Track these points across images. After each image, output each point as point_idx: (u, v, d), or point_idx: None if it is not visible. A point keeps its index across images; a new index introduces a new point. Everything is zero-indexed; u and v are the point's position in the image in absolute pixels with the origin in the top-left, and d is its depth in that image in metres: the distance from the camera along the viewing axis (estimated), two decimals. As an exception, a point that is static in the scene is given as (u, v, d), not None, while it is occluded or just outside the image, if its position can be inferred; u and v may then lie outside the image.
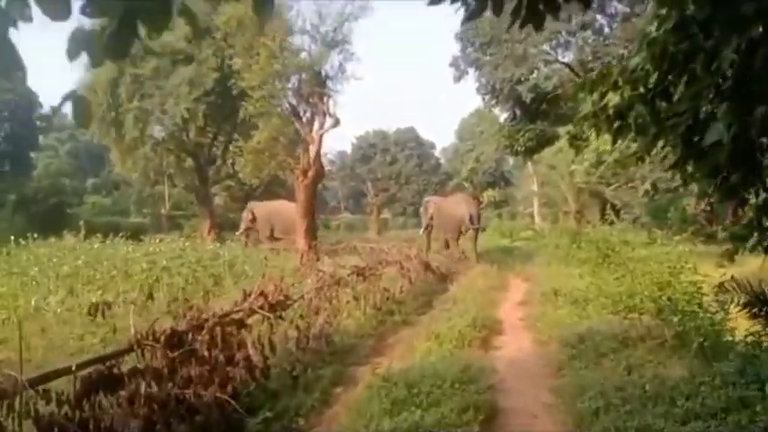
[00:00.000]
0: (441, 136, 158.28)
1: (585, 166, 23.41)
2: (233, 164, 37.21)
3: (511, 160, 71.66)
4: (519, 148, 34.69)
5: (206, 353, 5.85)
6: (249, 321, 6.97)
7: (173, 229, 38.49)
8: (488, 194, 61.51)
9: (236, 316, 6.71)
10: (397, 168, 79.70)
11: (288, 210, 29.04)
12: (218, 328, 6.12)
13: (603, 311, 9.95)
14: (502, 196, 59.88)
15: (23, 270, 15.33)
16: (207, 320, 6.09)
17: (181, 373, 5.52)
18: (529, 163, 36.59)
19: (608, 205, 24.16)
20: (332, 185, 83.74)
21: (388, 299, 12.60)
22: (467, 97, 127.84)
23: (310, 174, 15.47)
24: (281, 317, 7.66)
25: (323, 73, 16.09)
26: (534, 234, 30.65)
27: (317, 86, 15.52)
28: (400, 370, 7.12)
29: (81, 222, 28.57)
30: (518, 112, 35.90)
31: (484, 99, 36.92)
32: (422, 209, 27.56)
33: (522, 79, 31.09)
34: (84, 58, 1.97)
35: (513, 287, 16.37)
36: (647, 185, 24.06)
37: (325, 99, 15.55)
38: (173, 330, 5.66)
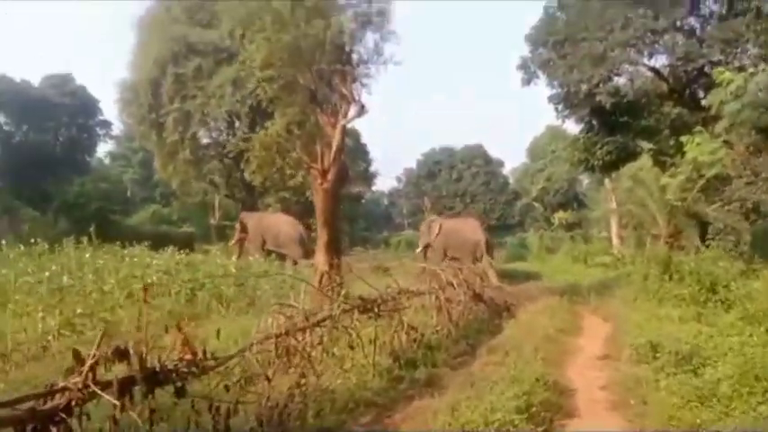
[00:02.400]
0: (511, 155, 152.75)
1: (680, 180, 19.23)
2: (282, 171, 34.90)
3: (585, 181, 67.37)
4: (596, 163, 30.46)
5: None
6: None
7: (222, 240, 36.41)
8: (560, 216, 57.20)
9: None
10: (462, 186, 76.29)
11: (282, 222, 27.05)
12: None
13: (737, 386, 6.26)
14: (574, 218, 55.44)
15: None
16: None
17: None
18: (606, 180, 32.26)
19: (709, 228, 19.84)
20: (399, 202, 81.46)
21: (414, 341, 9.16)
22: (538, 114, 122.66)
23: (330, 175, 12.27)
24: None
25: (353, 54, 12.93)
26: (613, 260, 26.40)
27: (341, 64, 12.37)
28: None
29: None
30: (595, 123, 31.64)
31: (557, 109, 32.72)
32: (423, 227, 26.79)
33: (601, 82, 26.98)
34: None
35: (590, 330, 12.56)
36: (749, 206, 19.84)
37: (349, 81, 12.34)
38: None
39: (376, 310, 8.29)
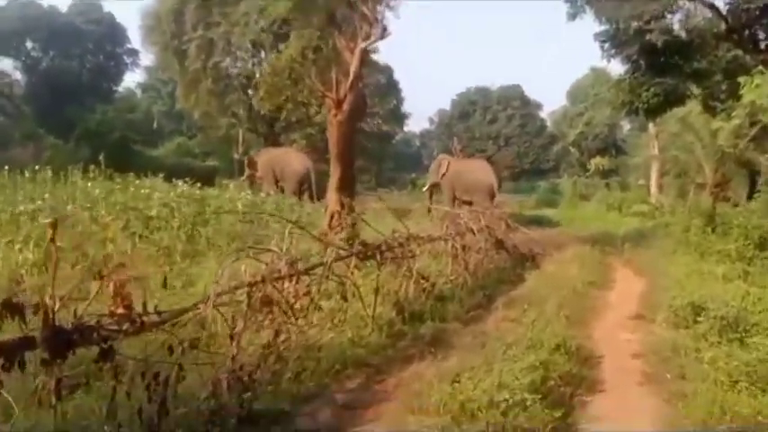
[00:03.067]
0: (550, 97, 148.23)
1: (734, 124, 17.56)
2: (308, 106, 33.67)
3: (626, 127, 64.63)
4: (641, 106, 28.48)
5: None
6: None
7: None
8: (596, 162, 55.12)
9: None
10: (496, 128, 74.03)
11: (289, 157, 26.38)
12: None
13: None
14: (612, 165, 53.38)
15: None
16: None
17: None
18: (650, 124, 30.39)
19: (759, 179, 18.28)
20: (430, 144, 79.65)
21: (423, 291, 8.22)
22: (581, 54, 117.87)
23: (345, 106, 11.11)
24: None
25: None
26: (651, 210, 24.89)
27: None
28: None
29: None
30: (643, 64, 29.51)
31: (602, 47, 30.56)
32: (433, 165, 26.06)
33: (654, 19, 24.85)
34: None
35: (622, 284, 11.44)
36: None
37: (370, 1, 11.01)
38: None
39: (379, 256, 7.35)
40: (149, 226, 11.76)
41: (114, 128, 34.09)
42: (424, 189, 26.03)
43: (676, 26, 26.77)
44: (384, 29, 11.10)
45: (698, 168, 19.96)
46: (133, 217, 11.79)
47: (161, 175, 19.49)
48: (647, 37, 26.01)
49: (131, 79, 54.78)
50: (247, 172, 26.87)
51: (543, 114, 75.85)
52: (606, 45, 29.84)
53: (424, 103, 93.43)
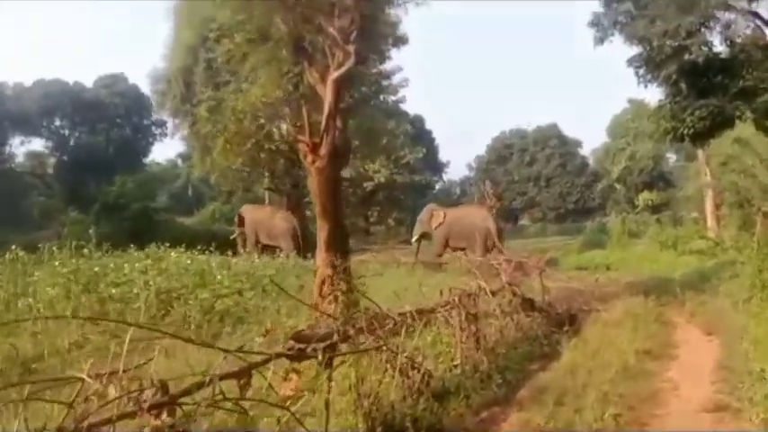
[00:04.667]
0: (590, 135, 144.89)
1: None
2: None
3: (671, 159, 61.51)
4: (686, 132, 25.96)
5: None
6: None
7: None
8: (644, 197, 52.08)
9: None
10: (536, 169, 71.85)
11: (275, 215, 25.52)
12: None
13: None
14: (661, 199, 50.30)
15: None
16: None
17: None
18: (699, 152, 27.72)
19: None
20: (470, 191, 77.30)
21: (412, 387, 6.03)
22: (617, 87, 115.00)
23: (323, 150, 9.21)
24: None
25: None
26: (711, 245, 22.02)
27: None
28: None
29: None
30: (683, 86, 27.04)
31: (637, 73, 28.22)
32: (422, 215, 25.79)
33: (691, 34, 22.59)
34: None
35: (688, 351, 8.88)
36: None
37: (337, 18, 9.10)
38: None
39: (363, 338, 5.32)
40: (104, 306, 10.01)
41: (135, 199, 33.11)
42: (413, 240, 25.66)
43: (716, 41, 24.47)
44: (358, 56, 9.20)
45: (762, 194, 17.24)
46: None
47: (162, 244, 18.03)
48: (686, 56, 23.74)
49: (175, 149, 54.52)
50: (237, 230, 26.27)
51: (584, 152, 73.32)
52: (641, 70, 27.55)
53: (464, 151, 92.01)
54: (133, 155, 47.89)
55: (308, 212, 42.23)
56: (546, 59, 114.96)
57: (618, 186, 60.29)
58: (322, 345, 4.75)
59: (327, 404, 4.77)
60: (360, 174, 43.43)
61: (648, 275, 18.20)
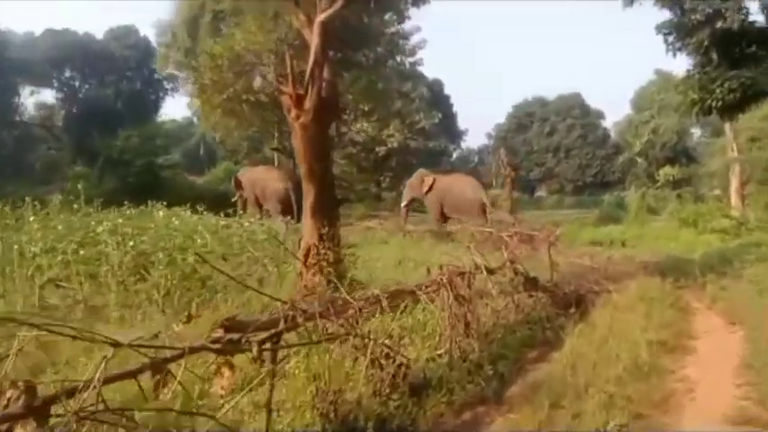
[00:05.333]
0: (613, 106, 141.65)
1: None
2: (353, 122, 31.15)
3: (696, 134, 59.64)
4: (714, 104, 24.54)
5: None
6: None
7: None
8: (665, 172, 50.55)
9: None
10: (556, 140, 70.14)
11: (269, 176, 24.68)
12: None
13: None
14: (683, 174, 48.78)
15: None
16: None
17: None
18: (726, 125, 26.31)
19: None
20: (488, 160, 75.84)
21: (384, 380, 5.17)
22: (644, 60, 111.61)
23: (308, 103, 8.23)
24: None
25: None
26: (734, 225, 20.84)
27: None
28: None
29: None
30: (714, 56, 25.48)
31: (666, 40, 26.63)
32: (412, 181, 24.89)
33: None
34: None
35: (708, 343, 7.88)
36: None
37: None
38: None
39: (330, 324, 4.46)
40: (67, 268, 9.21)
41: (139, 155, 32.39)
42: (402, 205, 24.98)
43: (754, 8, 22.90)
44: None
45: (796, 173, 16.06)
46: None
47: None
48: (719, 23, 22.24)
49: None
50: (237, 193, 25.60)
51: (606, 124, 71.47)
52: (671, 37, 26.00)
53: (484, 119, 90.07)
54: (143, 109, 46.97)
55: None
56: (574, 29, 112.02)
57: (639, 160, 58.74)
58: (262, 335, 3.87)
59: (269, 405, 3.91)
60: (372, 138, 42.36)
61: (666, 254, 17.12)
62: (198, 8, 26.11)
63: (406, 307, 6.81)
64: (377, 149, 44.61)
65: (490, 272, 7.85)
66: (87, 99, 45.03)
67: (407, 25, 38.29)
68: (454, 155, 69.25)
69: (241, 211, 23.30)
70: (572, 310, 8.79)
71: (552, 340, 7.54)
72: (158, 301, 8.38)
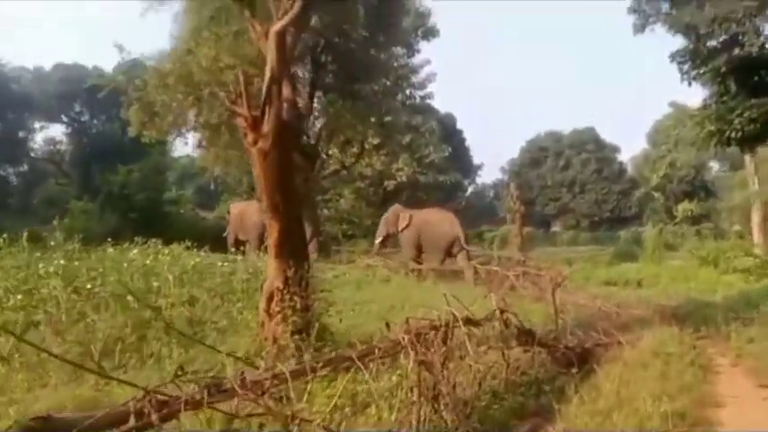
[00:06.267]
0: (629, 141, 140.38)
1: None
2: (359, 156, 30.36)
3: (714, 168, 58.29)
4: (733, 135, 23.34)
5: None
6: None
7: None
8: (684, 207, 49.19)
9: None
10: (570, 174, 68.94)
11: (249, 209, 24.69)
12: None
13: None
14: (702, 210, 47.37)
15: None
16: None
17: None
18: (747, 157, 25.07)
19: None
20: (503, 194, 74.62)
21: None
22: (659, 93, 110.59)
23: (266, 126, 7.23)
24: None
25: None
26: (759, 264, 19.42)
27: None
28: None
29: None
30: (732, 84, 24.32)
31: (681, 69, 25.56)
32: (387, 216, 24.54)
33: (744, 21, 20.02)
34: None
35: (733, 412, 6.55)
36: None
37: None
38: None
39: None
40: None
41: (140, 190, 31.73)
42: (377, 241, 24.74)
43: (772, 33, 21.83)
44: (304, 4, 7.14)
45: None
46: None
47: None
48: (737, 49, 21.14)
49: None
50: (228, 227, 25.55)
51: (622, 158, 70.30)
52: (686, 66, 24.96)
53: (500, 153, 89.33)
54: (152, 143, 46.37)
55: (325, 210, 40.48)
56: (587, 62, 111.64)
57: (656, 195, 57.43)
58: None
59: None
60: (380, 172, 41.52)
61: (684, 297, 15.85)
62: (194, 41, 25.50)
63: (381, 365, 5.72)
64: (385, 183, 43.71)
65: (474, 324, 6.68)
66: (97, 134, 44.77)
67: (417, 59, 37.90)
68: (469, 189, 68.38)
69: (233, 248, 22.39)
70: (574, 369, 7.56)
71: (547, 408, 6.31)
72: (94, 356, 7.30)
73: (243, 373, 4.21)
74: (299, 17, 7.45)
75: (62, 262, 9.61)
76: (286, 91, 7.71)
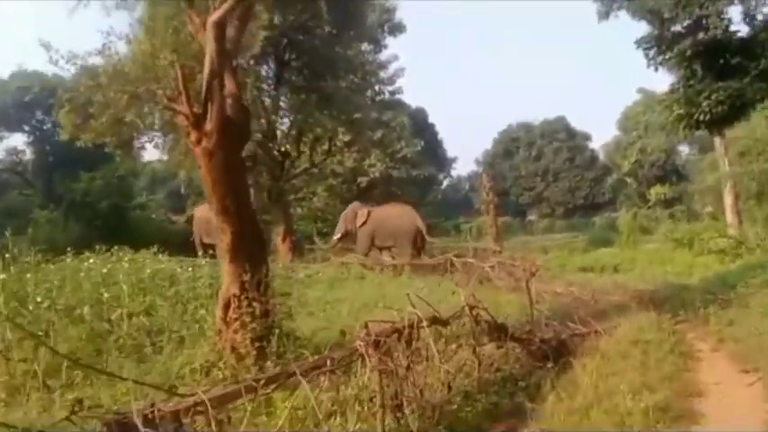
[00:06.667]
0: (600, 128, 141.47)
1: None
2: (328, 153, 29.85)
3: (684, 151, 58.83)
4: (701, 117, 23.44)
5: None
6: None
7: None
8: (656, 191, 49.45)
9: None
10: (543, 164, 69.25)
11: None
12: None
13: None
14: (674, 193, 47.69)
15: None
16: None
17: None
18: (716, 140, 25.07)
19: None
20: (478, 186, 74.61)
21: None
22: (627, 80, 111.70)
23: (209, 124, 6.74)
24: None
25: None
26: (733, 245, 19.36)
27: None
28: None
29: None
30: (698, 68, 24.40)
31: (647, 55, 25.61)
32: (346, 213, 24.50)
33: (707, 6, 19.97)
34: None
35: (717, 401, 6.26)
36: None
37: None
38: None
39: None
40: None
41: (104, 197, 30.85)
42: (335, 238, 24.68)
43: (736, 17, 21.89)
44: None
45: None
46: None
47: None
48: (701, 33, 21.10)
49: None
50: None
51: (594, 146, 70.73)
52: (651, 51, 24.98)
53: (475, 145, 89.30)
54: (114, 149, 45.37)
55: (298, 209, 39.89)
56: (555, 51, 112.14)
57: (629, 180, 57.82)
58: None
59: None
60: (353, 168, 41.00)
61: (661, 280, 15.65)
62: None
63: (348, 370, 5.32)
64: (359, 180, 43.27)
65: (442, 323, 6.29)
66: (58, 142, 43.58)
67: (385, 55, 37.50)
68: (444, 183, 68.29)
69: (201, 252, 21.79)
70: (550, 363, 7.22)
71: (522, 408, 5.94)
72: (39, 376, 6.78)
73: (153, 405, 3.72)
74: (240, 7, 6.97)
75: (1, 276, 8.95)
76: (229, 85, 7.21)
